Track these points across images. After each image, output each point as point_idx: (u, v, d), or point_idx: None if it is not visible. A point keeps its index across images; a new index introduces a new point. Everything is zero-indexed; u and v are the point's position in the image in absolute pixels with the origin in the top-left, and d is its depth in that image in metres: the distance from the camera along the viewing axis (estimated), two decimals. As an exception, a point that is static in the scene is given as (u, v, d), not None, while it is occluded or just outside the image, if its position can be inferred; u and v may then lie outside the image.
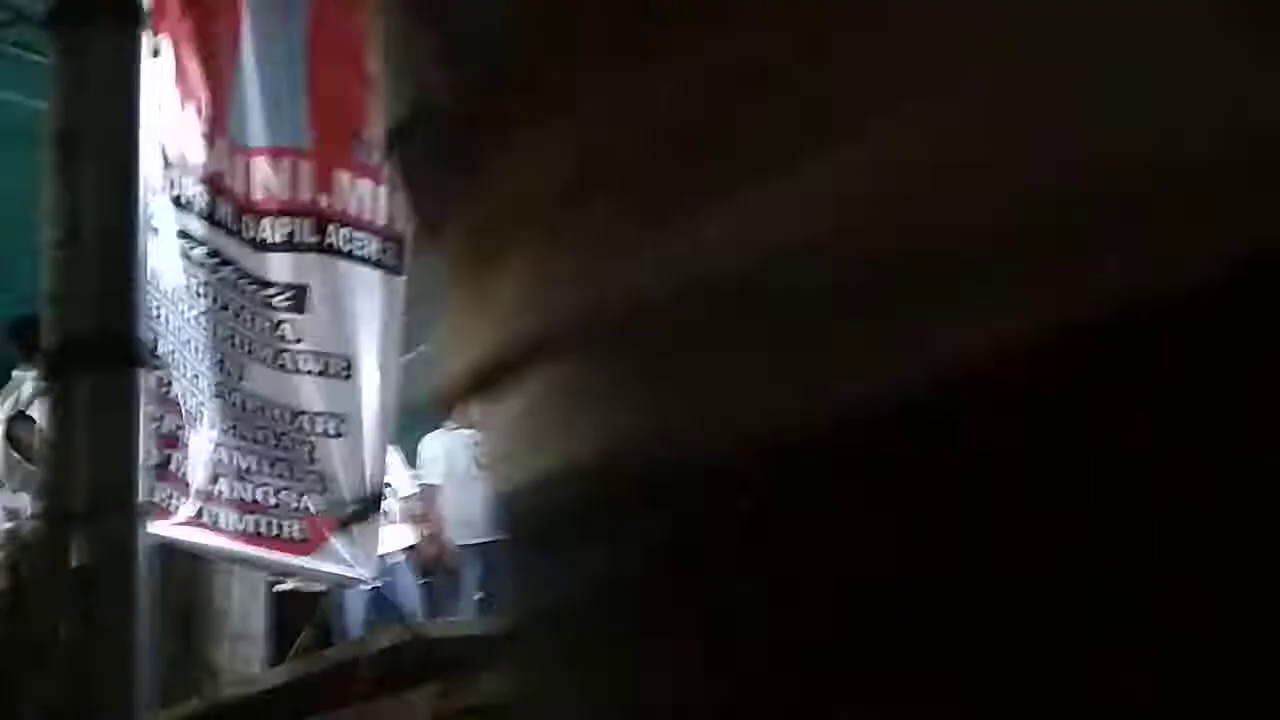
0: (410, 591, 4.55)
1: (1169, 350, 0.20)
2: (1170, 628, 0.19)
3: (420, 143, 0.32)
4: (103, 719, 1.18)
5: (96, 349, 1.33)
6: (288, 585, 5.14)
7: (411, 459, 4.98)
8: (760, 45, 0.22)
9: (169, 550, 1.83)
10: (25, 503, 3.57)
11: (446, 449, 5.02)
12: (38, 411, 3.45)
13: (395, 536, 4.65)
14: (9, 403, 3.64)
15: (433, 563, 4.85)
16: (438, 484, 4.94)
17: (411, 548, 4.76)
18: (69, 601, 1.23)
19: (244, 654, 3.66)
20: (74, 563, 1.24)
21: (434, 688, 2.08)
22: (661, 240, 0.23)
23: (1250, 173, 0.20)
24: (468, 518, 4.94)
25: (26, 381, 3.65)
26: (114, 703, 1.18)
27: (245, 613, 3.72)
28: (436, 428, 5.13)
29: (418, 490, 4.92)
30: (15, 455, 3.61)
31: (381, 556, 4.40)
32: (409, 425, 4.84)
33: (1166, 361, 0.20)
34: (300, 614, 4.59)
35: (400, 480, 4.81)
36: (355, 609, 4.23)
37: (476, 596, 4.87)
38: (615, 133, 0.24)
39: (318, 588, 4.71)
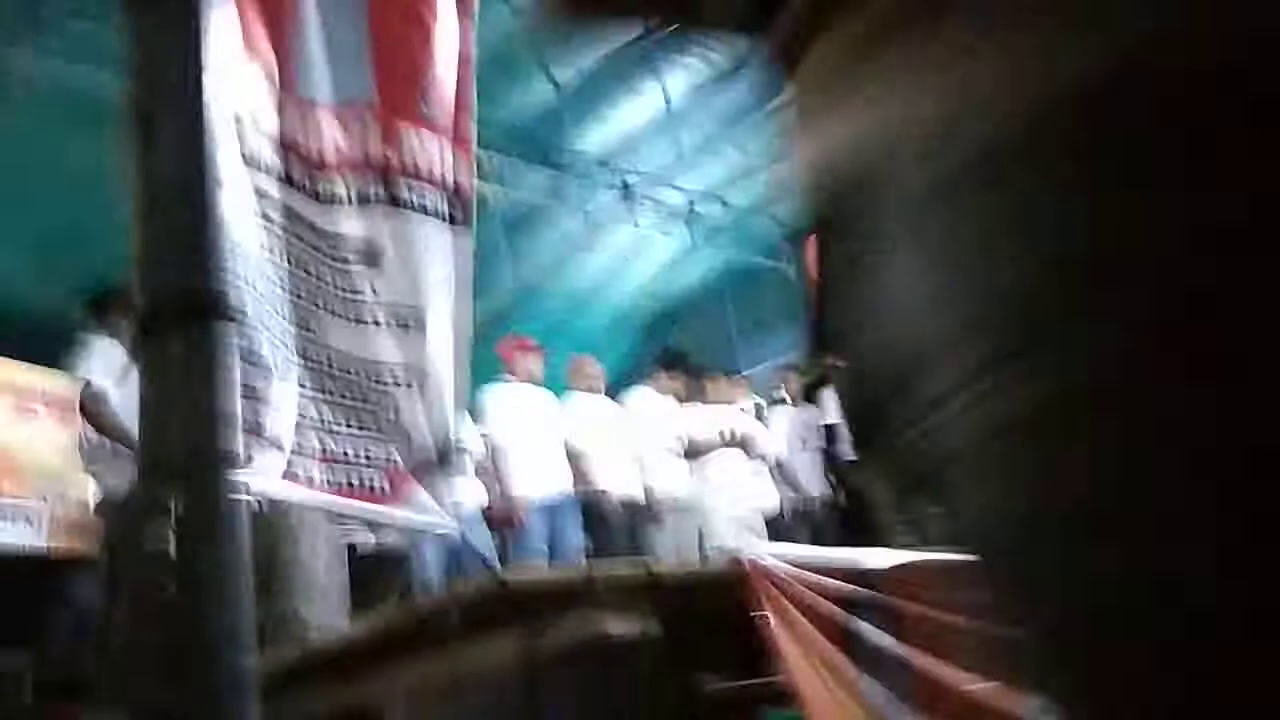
0: (485, 545, 4.60)
1: None
2: None
3: None
4: (209, 666, 1.21)
5: (184, 307, 1.35)
6: (362, 542, 5.27)
7: (475, 414, 5.03)
8: None
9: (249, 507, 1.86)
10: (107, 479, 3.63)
11: (511, 403, 5.06)
12: (109, 383, 3.51)
13: (466, 492, 4.71)
14: (81, 373, 3.67)
15: (502, 518, 4.89)
16: (504, 439, 4.97)
17: (485, 505, 4.80)
18: (168, 555, 1.25)
19: (323, 610, 3.76)
20: (172, 517, 1.26)
21: (520, 633, 2.12)
22: None
23: None
24: (533, 473, 4.99)
25: (96, 350, 3.68)
26: (220, 648, 1.21)
27: (324, 569, 3.81)
28: (499, 382, 5.17)
29: (484, 446, 4.95)
30: (91, 431, 3.64)
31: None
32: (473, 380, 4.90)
33: None
34: (376, 570, 4.69)
35: (468, 435, 4.86)
36: (432, 562, 4.30)
37: (544, 551, 4.93)
38: None
39: (393, 545, 4.81)
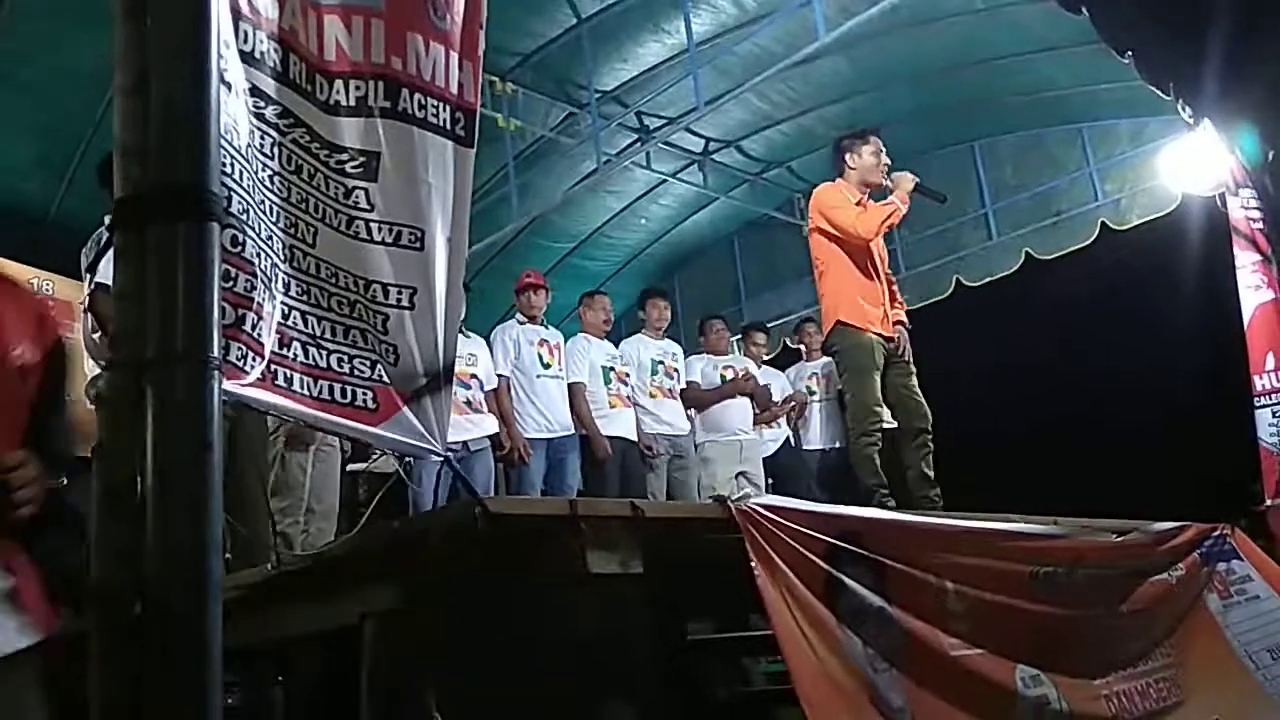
0: (485, 478, 4.58)
1: None
2: None
3: None
4: (175, 564, 1.18)
5: (169, 201, 1.29)
6: (361, 466, 5.26)
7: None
8: None
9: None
10: None
11: (515, 341, 5.03)
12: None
13: (482, 425, 4.70)
14: (86, 265, 3.56)
15: (505, 455, 4.88)
16: (506, 375, 4.95)
17: (494, 437, 4.79)
18: (141, 449, 1.21)
19: (318, 528, 3.76)
20: (147, 412, 1.22)
21: (499, 560, 2.09)
22: None
23: None
24: (535, 410, 4.97)
25: (106, 244, 3.58)
26: (187, 548, 1.17)
27: (319, 489, 3.81)
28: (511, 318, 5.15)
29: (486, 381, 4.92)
30: (96, 329, 3.56)
31: (465, 443, 4.46)
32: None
33: None
34: (374, 494, 4.68)
35: (489, 372, 4.84)
36: (429, 490, 4.28)
37: (540, 488, 4.91)
38: None
39: (391, 468, 4.79)
